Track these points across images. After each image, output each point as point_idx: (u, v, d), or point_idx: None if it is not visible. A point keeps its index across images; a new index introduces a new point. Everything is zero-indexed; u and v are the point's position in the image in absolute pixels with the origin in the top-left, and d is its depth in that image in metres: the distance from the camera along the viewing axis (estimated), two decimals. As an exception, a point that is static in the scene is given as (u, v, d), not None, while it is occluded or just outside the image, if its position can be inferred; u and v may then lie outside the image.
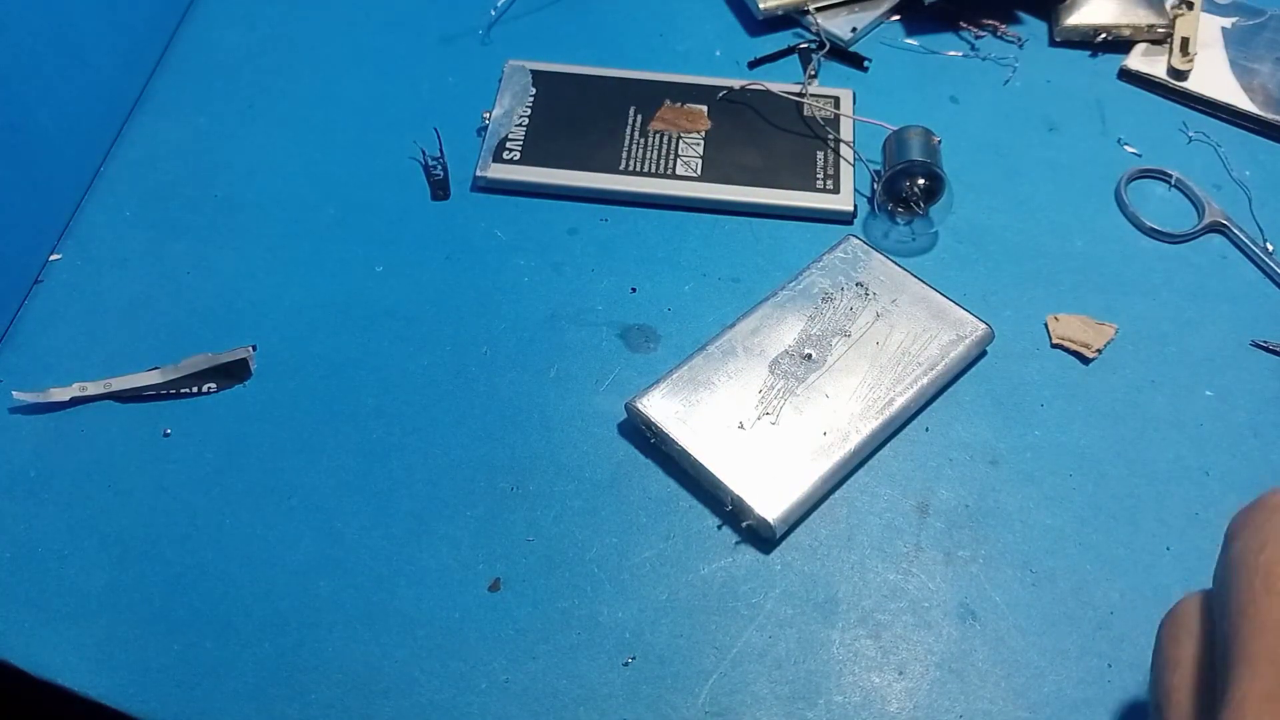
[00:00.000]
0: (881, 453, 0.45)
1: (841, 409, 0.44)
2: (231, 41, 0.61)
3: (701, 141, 0.55)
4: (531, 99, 0.57)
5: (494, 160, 0.54)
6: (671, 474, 0.45)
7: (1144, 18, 0.60)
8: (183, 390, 0.47)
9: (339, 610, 0.41)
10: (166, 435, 0.46)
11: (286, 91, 0.59)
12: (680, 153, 0.55)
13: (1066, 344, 0.45)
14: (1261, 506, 0.30)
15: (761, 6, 0.61)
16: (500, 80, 0.58)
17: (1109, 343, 0.45)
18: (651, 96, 0.57)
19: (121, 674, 0.39)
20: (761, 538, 0.43)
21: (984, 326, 0.47)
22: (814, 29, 0.61)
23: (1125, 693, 0.39)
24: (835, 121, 0.56)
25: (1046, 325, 0.46)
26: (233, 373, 0.47)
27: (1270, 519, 0.29)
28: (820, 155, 0.55)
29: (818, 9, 0.61)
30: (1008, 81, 0.60)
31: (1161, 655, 0.31)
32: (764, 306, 0.48)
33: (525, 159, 0.54)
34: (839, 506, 0.44)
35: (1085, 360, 0.45)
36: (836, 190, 0.53)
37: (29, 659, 0.40)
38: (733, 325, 0.47)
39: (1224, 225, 0.53)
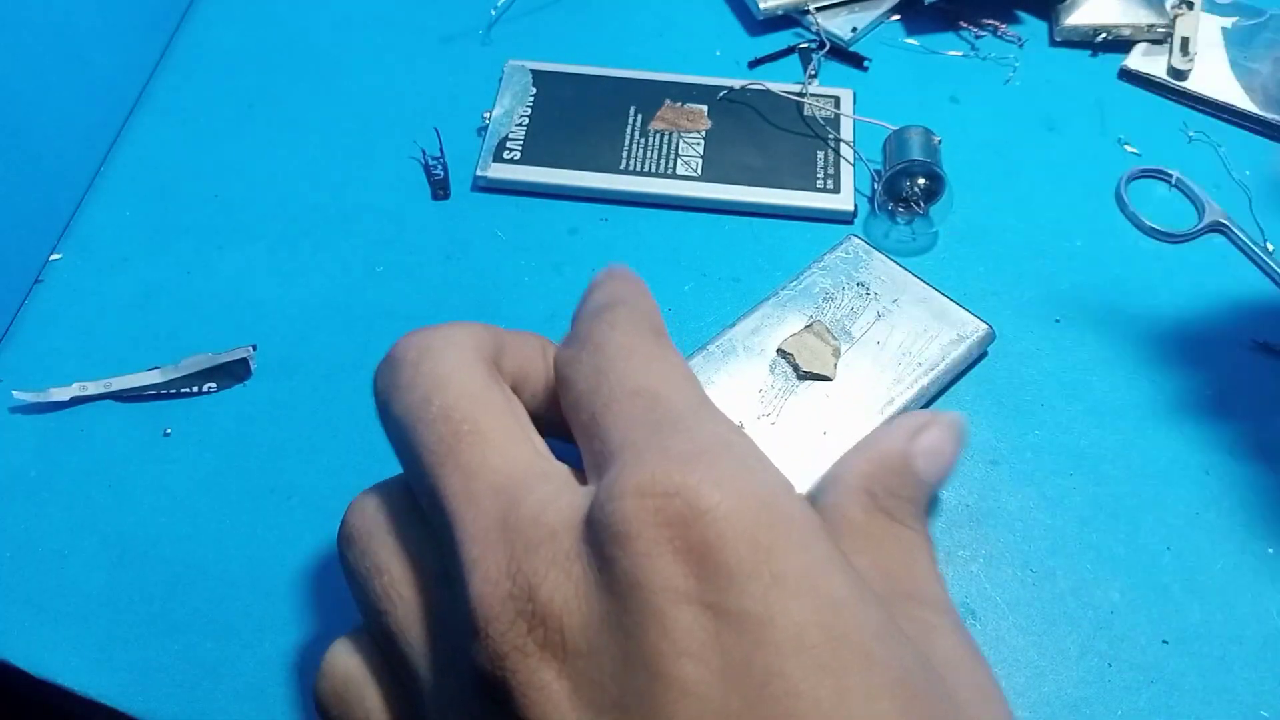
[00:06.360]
0: (882, 453, 0.45)
1: (842, 409, 0.44)
2: (231, 41, 0.61)
3: (702, 141, 0.55)
4: (531, 99, 0.57)
5: (494, 160, 0.54)
6: (672, 474, 0.45)
7: (1144, 18, 0.60)
8: (183, 390, 0.47)
9: (339, 610, 0.41)
10: (167, 435, 0.46)
11: (286, 91, 0.59)
12: (680, 153, 0.55)
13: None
14: (397, 363, 0.27)
15: (761, 6, 0.61)
16: (500, 80, 0.58)
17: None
18: (651, 96, 0.57)
19: (121, 674, 0.39)
20: (762, 538, 0.43)
21: (984, 326, 0.47)
22: (814, 29, 0.61)
23: (1125, 692, 0.39)
24: (835, 121, 0.56)
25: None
26: (233, 373, 0.47)
27: (416, 370, 0.26)
28: (820, 155, 0.55)
29: (818, 9, 0.61)
30: (1008, 81, 0.60)
31: (364, 565, 0.28)
32: (764, 306, 0.48)
33: (525, 159, 0.54)
34: (839, 506, 0.44)
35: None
36: (837, 190, 0.53)
37: (29, 659, 0.40)
38: (733, 325, 0.47)
39: (1224, 225, 0.53)
